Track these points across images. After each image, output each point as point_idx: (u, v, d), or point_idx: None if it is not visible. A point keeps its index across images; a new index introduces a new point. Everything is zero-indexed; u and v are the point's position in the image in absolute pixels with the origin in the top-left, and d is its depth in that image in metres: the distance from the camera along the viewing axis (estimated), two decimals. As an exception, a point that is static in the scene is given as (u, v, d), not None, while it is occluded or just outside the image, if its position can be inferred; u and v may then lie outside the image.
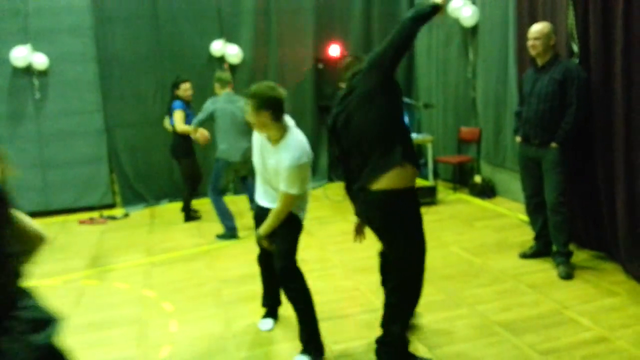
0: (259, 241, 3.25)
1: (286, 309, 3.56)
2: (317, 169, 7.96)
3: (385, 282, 3.24)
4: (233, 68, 7.41)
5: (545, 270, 4.26)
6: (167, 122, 6.48)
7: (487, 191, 6.57)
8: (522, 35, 5.01)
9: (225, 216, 5.66)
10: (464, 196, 6.74)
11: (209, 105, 5.57)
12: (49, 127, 6.99)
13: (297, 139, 3.01)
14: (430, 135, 7.18)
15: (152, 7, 7.12)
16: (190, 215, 6.51)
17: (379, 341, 3.03)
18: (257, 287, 4.08)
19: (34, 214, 7.02)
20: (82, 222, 6.73)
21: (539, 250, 4.49)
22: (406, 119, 3.12)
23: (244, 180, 5.96)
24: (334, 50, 7.74)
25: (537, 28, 4.12)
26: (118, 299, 4.32)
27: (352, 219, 3.32)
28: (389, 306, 2.96)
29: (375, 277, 3.40)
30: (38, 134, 6.98)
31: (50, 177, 7.07)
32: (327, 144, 7.99)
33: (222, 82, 5.67)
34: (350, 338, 3.41)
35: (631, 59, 3.88)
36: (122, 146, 7.25)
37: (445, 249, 4.86)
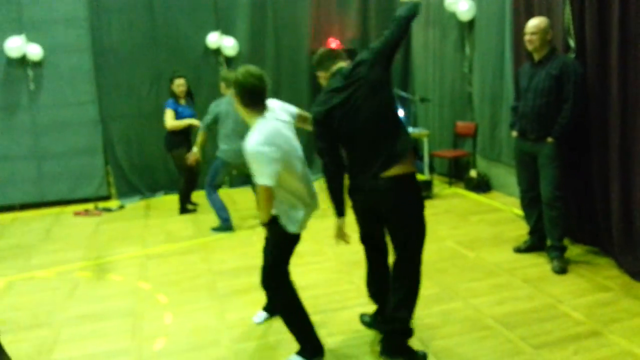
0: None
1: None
2: (313, 163, 7.94)
3: (376, 276, 3.27)
4: (229, 60, 7.38)
5: (539, 264, 4.28)
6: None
7: (482, 186, 6.59)
8: (518, 30, 5.01)
9: (220, 209, 5.67)
10: (460, 190, 6.75)
11: (213, 108, 5.59)
12: (44, 118, 6.96)
13: (264, 126, 2.80)
14: (426, 130, 7.18)
15: (147, -2, 7.08)
16: (185, 207, 6.51)
17: (388, 330, 3.03)
18: (252, 280, 4.10)
19: (28, 205, 7.04)
20: (77, 214, 6.71)
21: (534, 245, 4.51)
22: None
23: None
24: (331, 43, 7.72)
25: (534, 23, 4.12)
26: (112, 291, 4.31)
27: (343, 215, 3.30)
28: (400, 291, 2.97)
29: (370, 271, 3.40)
30: (33, 125, 6.95)
31: (45, 168, 7.04)
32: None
33: (228, 82, 5.67)
34: (344, 331, 3.42)
35: (627, 55, 3.88)
36: (117, 138, 7.23)
37: (440, 243, 4.87)
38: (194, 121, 6.23)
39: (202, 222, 6.03)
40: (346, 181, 3.01)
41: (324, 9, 7.84)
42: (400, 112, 6.86)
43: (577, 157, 4.35)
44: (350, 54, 6.79)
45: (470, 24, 6.63)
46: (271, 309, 3.61)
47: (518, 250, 4.56)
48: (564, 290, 3.81)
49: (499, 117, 6.26)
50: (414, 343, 3.21)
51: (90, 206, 6.96)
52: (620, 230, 4.05)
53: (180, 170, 6.37)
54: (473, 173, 6.71)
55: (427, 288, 3.93)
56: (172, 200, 6.84)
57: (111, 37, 7.02)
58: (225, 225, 5.65)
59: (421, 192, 3.07)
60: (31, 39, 6.73)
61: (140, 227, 6.05)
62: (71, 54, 6.96)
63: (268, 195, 2.86)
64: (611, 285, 3.83)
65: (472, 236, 5.05)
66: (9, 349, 3.41)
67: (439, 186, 6.95)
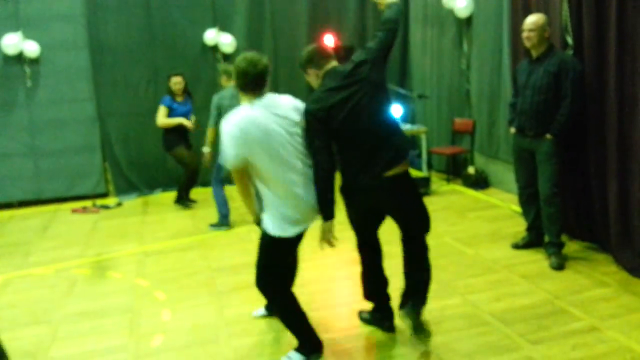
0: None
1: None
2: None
3: (373, 277, 3.30)
4: (226, 57, 7.37)
5: (537, 260, 4.29)
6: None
7: (480, 182, 6.59)
8: (516, 27, 5.00)
9: (221, 204, 5.67)
10: (458, 187, 6.76)
11: (215, 101, 5.57)
12: (41, 116, 6.94)
13: (244, 111, 2.76)
14: (424, 127, 7.18)
15: (144, -6, 7.06)
16: (181, 198, 6.58)
17: (416, 287, 3.14)
18: (250, 277, 4.08)
19: (26, 203, 7.02)
20: (74, 211, 6.70)
21: (531, 241, 4.52)
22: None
23: None
24: (329, 40, 7.70)
25: (532, 19, 4.11)
26: (110, 288, 4.31)
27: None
28: (420, 258, 3.17)
29: (368, 267, 3.40)
30: (30, 122, 6.93)
31: (43, 165, 7.03)
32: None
33: (229, 74, 5.66)
34: (342, 328, 3.42)
35: (624, 51, 3.89)
36: (114, 135, 7.21)
37: (438, 239, 4.87)
38: (184, 121, 6.21)
39: (200, 219, 6.03)
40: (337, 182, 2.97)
41: (322, 6, 7.83)
42: (397, 110, 6.90)
43: (575, 154, 4.35)
44: (347, 51, 6.81)
45: (468, 20, 6.62)
46: (270, 309, 3.61)
47: (516, 246, 4.57)
48: (562, 286, 3.82)
49: (496, 114, 6.26)
50: (410, 339, 3.22)
51: (88, 203, 6.95)
52: (618, 227, 4.05)
53: (184, 166, 6.42)
54: (471, 170, 6.71)
55: (425, 284, 3.95)
56: (170, 197, 6.83)
57: (108, 34, 7.00)
58: (223, 221, 5.65)
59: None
60: (28, 36, 6.70)
61: (138, 224, 6.05)
62: (68, 51, 6.94)
63: (238, 181, 2.83)
64: (609, 281, 3.84)
65: (470, 233, 5.06)
66: (6, 347, 3.42)
67: (437, 183, 6.95)
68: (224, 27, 7.33)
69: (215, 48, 7.35)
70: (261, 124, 2.74)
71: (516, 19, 5.14)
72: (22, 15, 6.70)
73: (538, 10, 4.55)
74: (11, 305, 4.09)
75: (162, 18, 7.16)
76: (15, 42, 6.59)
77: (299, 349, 3.04)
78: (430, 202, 6.15)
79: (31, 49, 6.69)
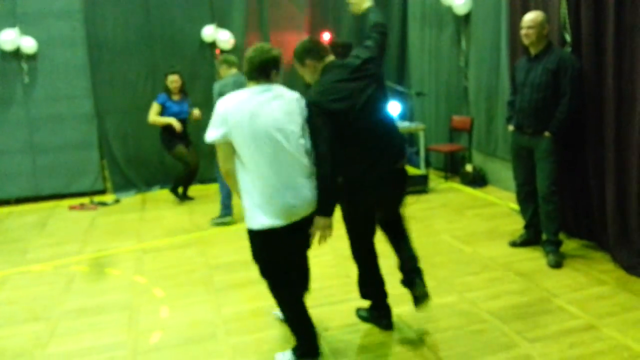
0: None
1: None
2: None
3: (370, 277, 3.31)
4: (224, 54, 7.35)
5: (534, 258, 4.29)
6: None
7: (478, 180, 6.60)
8: (514, 24, 5.00)
9: (226, 196, 5.70)
10: (455, 185, 6.77)
11: (217, 88, 5.56)
12: (39, 112, 6.92)
13: (237, 94, 2.77)
14: (422, 124, 7.18)
15: (142, -9, 7.04)
16: (176, 189, 6.64)
17: (412, 267, 3.19)
18: (248, 274, 4.10)
19: (23, 200, 7.01)
20: (72, 208, 6.69)
21: (529, 239, 4.53)
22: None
23: None
24: (326, 37, 7.70)
25: (531, 17, 4.11)
26: (109, 285, 4.31)
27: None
28: (406, 240, 3.26)
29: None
30: (27, 118, 6.91)
31: (40, 162, 7.01)
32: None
33: (229, 63, 5.65)
34: (340, 325, 3.43)
35: (622, 49, 3.89)
36: (112, 132, 7.20)
37: (436, 237, 4.88)
38: (173, 121, 6.24)
39: (199, 217, 6.03)
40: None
41: (320, 3, 7.81)
42: (396, 107, 6.91)
43: (574, 152, 4.36)
44: (345, 48, 6.80)
45: (467, 18, 6.62)
46: None
47: (514, 244, 4.57)
48: (559, 284, 3.83)
49: (495, 112, 6.27)
50: (409, 335, 3.23)
51: (85, 200, 6.94)
52: (616, 225, 4.06)
53: (183, 164, 6.49)
54: (469, 167, 6.72)
55: (423, 282, 3.96)
56: (168, 194, 6.83)
57: (106, 31, 6.97)
58: (227, 211, 5.68)
59: None
60: (25, 32, 6.68)
61: (136, 221, 6.04)
62: (66, 48, 6.91)
63: (222, 160, 2.81)
64: (606, 279, 3.85)
65: (468, 230, 5.07)
66: (4, 343, 3.42)
67: (435, 180, 6.95)
68: (221, 24, 7.31)
69: (213, 45, 7.33)
70: (245, 107, 2.70)
71: (514, 16, 5.14)
72: (19, 11, 6.66)
73: (536, 8, 4.55)
74: (9, 302, 4.08)
75: (160, 15, 7.13)
76: (12, 38, 6.56)
77: (294, 349, 3.04)
78: (428, 200, 6.25)
79: (28, 45, 6.66)
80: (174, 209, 6.42)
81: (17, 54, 6.71)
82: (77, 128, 7.08)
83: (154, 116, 6.30)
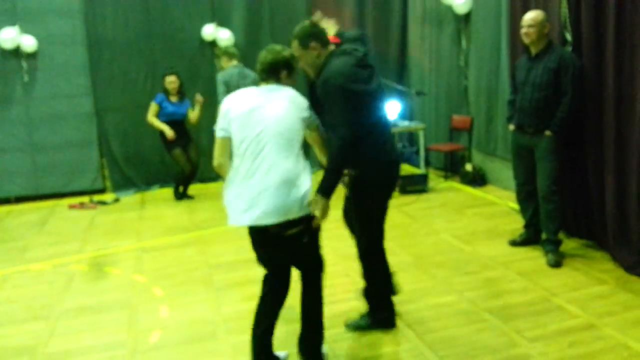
0: None
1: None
2: (308, 156, 7.93)
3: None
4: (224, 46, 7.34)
5: (534, 258, 4.29)
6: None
7: (478, 179, 6.60)
8: (515, 23, 5.00)
9: None
10: (455, 184, 6.76)
11: (220, 78, 5.56)
12: (38, 111, 6.91)
13: (242, 90, 2.87)
14: (422, 123, 7.18)
15: (142, -11, 7.03)
16: (177, 190, 6.67)
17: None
18: (248, 273, 4.10)
19: (23, 198, 7.01)
20: (72, 207, 6.69)
21: (529, 238, 4.53)
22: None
23: None
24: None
25: (531, 16, 4.11)
26: (108, 284, 4.31)
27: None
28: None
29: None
30: (27, 117, 6.90)
31: (40, 161, 7.00)
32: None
33: (230, 55, 5.65)
34: (340, 323, 3.42)
35: (623, 48, 3.88)
36: (112, 130, 7.19)
37: (435, 236, 4.88)
38: (166, 129, 6.33)
39: (198, 215, 6.02)
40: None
41: (320, 1, 7.80)
42: (396, 106, 6.90)
43: (574, 152, 4.36)
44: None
45: (467, 17, 6.62)
46: None
47: (513, 243, 4.57)
48: (559, 283, 3.83)
49: (494, 111, 6.26)
50: (409, 335, 3.23)
51: (85, 199, 6.93)
52: (615, 225, 4.06)
53: (180, 168, 6.56)
54: (469, 167, 6.72)
55: (423, 281, 3.96)
56: (168, 193, 6.83)
57: (106, 29, 6.97)
58: None
59: None
60: (25, 30, 6.67)
61: (135, 220, 6.04)
62: (66, 46, 6.90)
63: (219, 154, 2.85)
64: (606, 279, 3.85)
65: (468, 230, 5.06)
66: (4, 342, 3.42)
67: (435, 180, 6.95)
68: (222, 23, 7.31)
69: (213, 43, 7.32)
70: (247, 103, 2.74)
71: (515, 15, 5.14)
72: (19, 9, 6.65)
73: (537, 7, 4.55)
74: (9, 301, 4.08)
75: (160, 13, 7.12)
76: (12, 37, 6.55)
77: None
78: (427, 199, 6.25)
79: (28, 43, 6.65)
80: (174, 208, 6.42)
81: (17, 52, 6.70)
82: (76, 127, 7.07)
83: (151, 117, 6.38)
